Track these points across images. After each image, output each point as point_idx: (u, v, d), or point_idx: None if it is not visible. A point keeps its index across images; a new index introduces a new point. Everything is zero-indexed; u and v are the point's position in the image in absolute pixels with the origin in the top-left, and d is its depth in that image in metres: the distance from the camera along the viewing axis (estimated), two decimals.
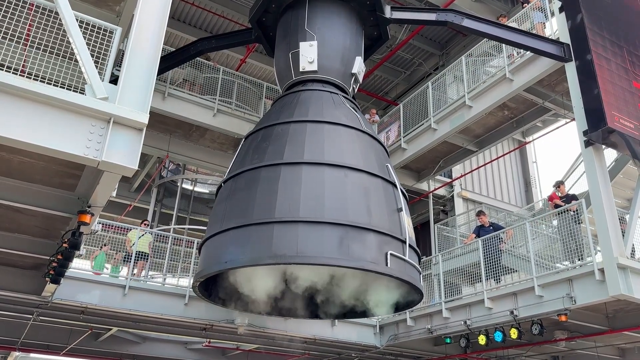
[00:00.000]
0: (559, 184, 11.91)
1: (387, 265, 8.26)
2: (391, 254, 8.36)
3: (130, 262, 11.75)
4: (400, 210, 9.13)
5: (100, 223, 11.45)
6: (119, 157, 5.08)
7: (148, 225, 15.04)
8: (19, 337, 13.94)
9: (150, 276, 12.60)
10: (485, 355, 14.48)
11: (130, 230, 12.96)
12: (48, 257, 8.05)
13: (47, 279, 8.35)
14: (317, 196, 8.41)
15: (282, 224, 8.19)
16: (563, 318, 9.81)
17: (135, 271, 11.99)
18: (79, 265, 11.45)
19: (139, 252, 12.16)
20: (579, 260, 9.75)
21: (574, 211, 10.18)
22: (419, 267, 9.31)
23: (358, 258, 8.11)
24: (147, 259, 12.29)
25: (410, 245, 8.88)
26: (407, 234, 8.91)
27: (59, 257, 7.33)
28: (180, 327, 13.04)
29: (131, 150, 5.20)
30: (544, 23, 11.58)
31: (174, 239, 13.08)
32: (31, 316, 11.96)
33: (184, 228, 17.47)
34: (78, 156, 4.99)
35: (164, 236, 13.06)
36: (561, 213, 10.49)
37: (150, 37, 5.76)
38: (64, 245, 6.86)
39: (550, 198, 11.80)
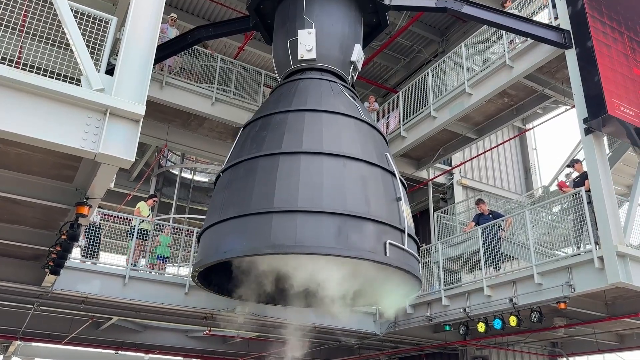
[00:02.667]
0: (573, 163, 11.58)
1: (385, 254, 8.26)
2: (390, 243, 8.34)
3: (133, 237, 11.71)
4: (399, 199, 9.10)
5: (99, 213, 11.46)
6: (116, 149, 5.05)
7: (157, 202, 15.00)
8: (20, 327, 14.01)
9: (149, 265, 12.59)
10: (484, 342, 14.57)
11: (140, 203, 12.95)
12: (47, 248, 8.04)
13: (46, 270, 8.35)
14: (315, 186, 8.38)
15: (281, 213, 8.18)
16: (562, 306, 9.84)
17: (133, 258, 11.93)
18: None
19: (143, 229, 12.14)
20: (595, 243, 9.32)
21: (587, 190, 9.74)
22: (417, 256, 9.31)
23: (356, 247, 8.10)
24: (147, 238, 12.23)
25: (409, 235, 8.87)
26: (406, 223, 8.90)
27: (58, 248, 7.32)
28: (180, 316, 13.09)
29: (128, 141, 5.16)
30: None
31: (174, 228, 13.07)
32: (32, 306, 12.00)
33: (183, 217, 17.47)
34: (75, 148, 4.96)
35: (163, 225, 13.05)
36: (574, 195, 10.02)
37: (147, 26, 5.70)
38: (63, 237, 6.85)
39: (560, 186, 11.69)
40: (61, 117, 4.96)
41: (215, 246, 8.70)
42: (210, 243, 8.89)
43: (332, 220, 8.13)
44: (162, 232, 12.66)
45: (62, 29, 5.14)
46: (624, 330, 13.96)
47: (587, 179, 9.83)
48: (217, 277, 10.05)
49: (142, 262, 12.43)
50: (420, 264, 9.53)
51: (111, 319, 13.88)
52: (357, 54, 10.89)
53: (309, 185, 8.38)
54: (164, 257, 12.45)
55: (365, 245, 8.21)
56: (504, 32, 11.92)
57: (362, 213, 8.30)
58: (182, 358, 22.21)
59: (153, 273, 12.16)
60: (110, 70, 5.38)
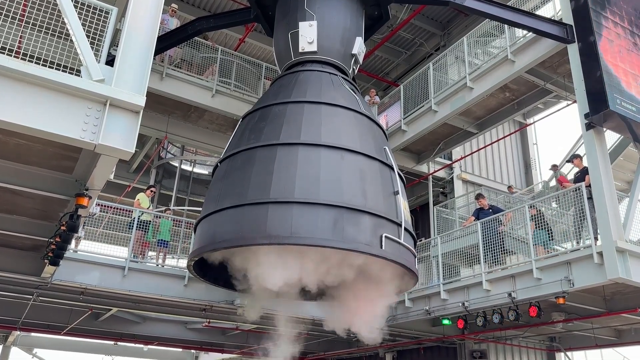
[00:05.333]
0: (572, 158, 11.55)
1: (381, 247, 8.24)
2: (386, 237, 8.32)
3: (133, 228, 11.72)
4: (396, 193, 9.07)
5: (98, 204, 11.46)
6: (116, 140, 5.02)
7: (155, 193, 15.00)
8: (19, 317, 14.05)
9: (149, 257, 12.61)
10: (482, 336, 14.61)
11: (139, 195, 12.96)
12: (47, 239, 8.05)
13: (45, 260, 8.36)
14: (312, 177, 8.35)
15: (277, 204, 8.14)
16: (561, 301, 9.86)
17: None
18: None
19: (144, 220, 12.14)
20: (595, 239, 9.44)
21: (587, 186, 9.74)
22: (414, 250, 9.29)
23: (352, 240, 8.06)
24: (147, 229, 12.23)
25: (405, 229, 8.83)
26: (403, 217, 8.88)
27: (58, 239, 7.32)
28: (179, 308, 13.13)
29: (128, 133, 5.13)
30: None
31: (173, 220, 13.08)
32: (31, 297, 12.03)
33: (183, 209, 17.47)
34: (74, 139, 4.93)
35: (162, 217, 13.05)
36: (576, 190, 10.02)
37: (147, 17, 5.66)
38: (62, 228, 6.84)
39: (560, 181, 11.67)
40: (61, 108, 4.94)
41: (211, 236, 8.68)
42: (206, 232, 8.87)
43: (329, 212, 8.09)
44: (162, 217, 12.70)
45: (62, 18, 5.11)
46: (622, 326, 14.00)
47: (588, 174, 9.82)
48: (214, 268, 10.04)
49: (150, 254, 12.46)
50: (416, 258, 9.51)
51: (110, 310, 13.92)
52: (359, 46, 10.84)
53: (306, 177, 8.34)
54: (164, 242, 12.47)
55: (361, 237, 8.17)
56: (506, 25, 11.88)
57: (358, 206, 8.27)
58: (181, 349, 22.34)
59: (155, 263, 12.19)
60: (110, 61, 5.35)
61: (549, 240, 10.91)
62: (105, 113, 5.04)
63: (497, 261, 11.36)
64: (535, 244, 10.60)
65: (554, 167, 17.07)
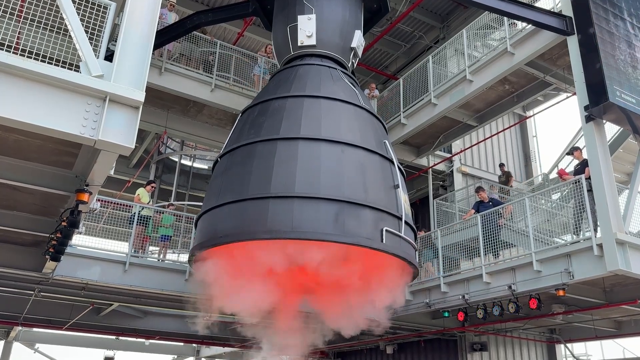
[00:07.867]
0: (572, 151, 11.56)
1: (382, 241, 8.27)
2: (386, 230, 8.34)
3: (133, 223, 11.74)
4: (397, 186, 9.08)
5: (99, 200, 11.46)
6: (116, 135, 5.01)
7: (155, 188, 15.00)
8: (21, 312, 14.09)
9: (150, 252, 12.63)
10: (482, 328, 14.66)
11: (139, 190, 12.97)
12: (47, 235, 8.05)
13: (47, 256, 8.37)
14: (313, 172, 8.36)
15: (278, 199, 8.15)
16: (561, 293, 9.89)
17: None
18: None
19: (144, 215, 12.15)
20: (595, 231, 9.46)
21: (587, 178, 9.77)
22: (414, 243, 9.32)
23: (353, 234, 8.08)
24: (148, 223, 12.24)
25: (406, 222, 8.86)
26: (404, 211, 8.90)
27: (58, 235, 7.33)
28: (181, 302, 13.15)
29: (128, 128, 5.12)
30: None
31: (174, 215, 13.08)
32: (32, 292, 12.07)
33: (183, 204, 17.47)
34: (74, 135, 4.92)
35: (164, 212, 13.05)
36: (576, 182, 10.04)
37: (146, 11, 5.64)
38: (63, 223, 6.85)
39: (560, 174, 11.70)
40: (60, 104, 4.93)
41: (212, 231, 8.70)
42: (207, 228, 8.88)
43: (330, 207, 8.11)
44: (164, 212, 12.72)
45: (61, 14, 5.09)
46: (622, 317, 14.06)
47: (587, 166, 9.83)
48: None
49: (151, 249, 12.49)
50: (417, 252, 9.53)
51: (112, 305, 13.96)
52: (358, 40, 10.81)
53: (307, 171, 8.35)
54: (167, 237, 12.49)
55: (362, 231, 8.19)
56: (505, 18, 11.85)
57: (359, 200, 8.29)
58: (182, 343, 22.41)
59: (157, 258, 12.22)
60: (109, 56, 5.34)
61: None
62: (104, 109, 5.03)
63: (497, 253, 11.39)
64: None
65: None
